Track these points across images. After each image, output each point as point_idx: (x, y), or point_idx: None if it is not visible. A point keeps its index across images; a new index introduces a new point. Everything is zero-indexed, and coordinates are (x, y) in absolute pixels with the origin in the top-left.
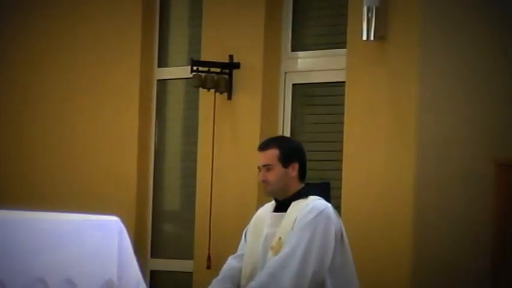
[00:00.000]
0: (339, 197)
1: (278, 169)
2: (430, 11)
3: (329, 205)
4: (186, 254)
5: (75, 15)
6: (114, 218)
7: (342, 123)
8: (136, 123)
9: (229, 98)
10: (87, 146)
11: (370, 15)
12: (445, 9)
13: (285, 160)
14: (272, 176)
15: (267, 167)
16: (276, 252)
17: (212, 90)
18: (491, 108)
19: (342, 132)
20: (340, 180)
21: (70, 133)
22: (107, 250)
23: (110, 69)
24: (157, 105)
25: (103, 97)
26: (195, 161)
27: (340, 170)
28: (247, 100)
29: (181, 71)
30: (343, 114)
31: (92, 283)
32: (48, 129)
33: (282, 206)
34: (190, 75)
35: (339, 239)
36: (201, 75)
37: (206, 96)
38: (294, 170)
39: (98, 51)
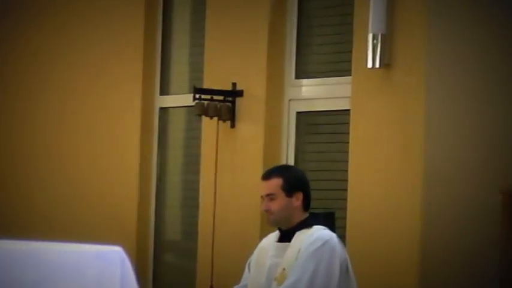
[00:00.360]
0: (344, 227)
1: (281, 199)
2: (435, 38)
3: (334, 235)
4: (189, 284)
5: (76, 46)
6: (116, 248)
7: (347, 152)
8: (138, 151)
9: (232, 126)
10: (87, 174)
11: (375, 42)
12: (451, 37)
13: (289, 189)
14: (275, 206)
15: (270, 197)
16: (280, 284)
17: (215, 118)
18: (498, 137)
19: (346, 161)
20: (345, 209)
21: (70, 161)
22: (109, 281)
23: (112, 96)
24: (159, 133)
25: (104, 125)
26: (197, 190)
27: (345, 199)
28: (251, 128)
29: (183, 99)
30: (347, 142)
31: None
32: (48, 158)
33: (285, 236)
34: (193, 103)
35: (344, 269)
36: (203, 103)
37: (209, 124)
38: (297, 200)
39: (99, 80)
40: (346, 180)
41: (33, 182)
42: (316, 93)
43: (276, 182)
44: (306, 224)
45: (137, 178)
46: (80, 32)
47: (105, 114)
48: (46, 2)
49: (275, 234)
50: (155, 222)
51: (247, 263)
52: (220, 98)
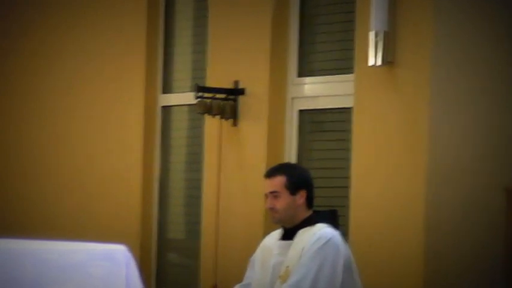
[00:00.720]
0: (347, 225)
1: (286, 196)
2: (439, 35)
3: (337, 233)
4: (192, 283)
5: (78, 42)
6: (121, 247)
7: (350, 149)
8: (141, 150)
9: (235, 124)
10: (90, 172)
11: (377, 40)
12: (455, 33)
13: (293, 187)
14: (279, 204)
15: (274, 195)
16: (284, 281)
17: (217, 117)
18: (502, 135)
19: (349, 159)
20: (348, 207)
21: (74, 159)
22: (115, 280)
23: (114, 95)
24: (161, 131)
25: (107, 123)
26: (200, 188)
27: (348, 197)
28: (253, 126)
29: (186, 97)
30: (350, 140)
31: None
32: (52, 156)
33: (289, 234)
34: (195, 102)
35: (348, 267)
36: (206, 102)
37: (211, 123)
38: (301, 198)
39: (101, 78)
40: (349, 178)
41: (35, 181)
42: (318, 91)
43: (280, 180)
44: (310, 222)
45: (140, 176)
46: (81, 30)
47: (107, 112)
48: (46, 0)
49: (278, 232)
50: (158, 220)
51: (251, 260)
52: (223, 96)
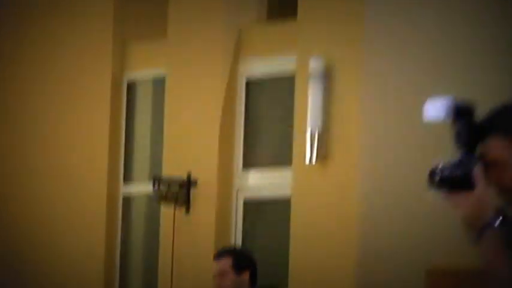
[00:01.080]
0: None
1: (232, 275)
2: (367, 135)
3: None
4: None
5: (41, 124)
6: None
7: (289, 234)
8: (103, 234)
9: (187, 211)
10: (53, 256)
11: (312, 138)
12: (384, 133)
13: (238, 267)
14: (226, 282)
15: (222, 274)
16: None
17: (172, 205)
18: (423, 222)
19: (288, 242)
20: (287, 284)
21: (37, 241)
22: None
23: (78, 182)
24: (122, 218)
25: (71, 208)
26: (156, 269)
27: (287, 274)
28: (203, 213)
29: (144, 186)
30: (289, 226)
31: None
32: (12, 223)
33: None
34: (152, 191)
35: None
36: (162, 191)
37: (166, 210)
38: (246, 276)
39: (64, 164)
40: (288, 258)
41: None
42: (261, 182)
43: (227, 261)
44: None
45: (102, 261)
46: (45, 118)
47: (70, 200)
48: None
49: None
50: None
51: None
52: (177, 186)
